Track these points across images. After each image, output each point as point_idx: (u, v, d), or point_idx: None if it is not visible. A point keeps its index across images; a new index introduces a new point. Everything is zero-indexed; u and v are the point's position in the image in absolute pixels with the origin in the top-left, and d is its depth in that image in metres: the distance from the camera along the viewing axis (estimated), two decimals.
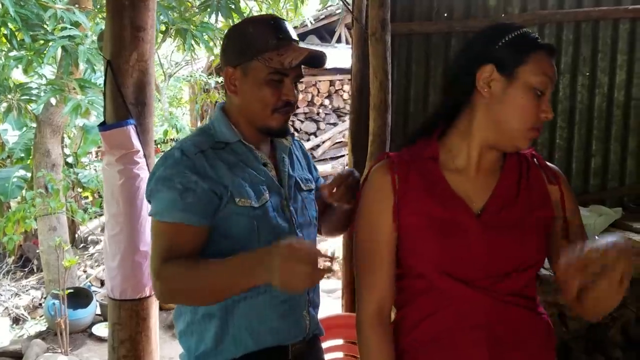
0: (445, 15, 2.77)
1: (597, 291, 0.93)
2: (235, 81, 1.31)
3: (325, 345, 2.26)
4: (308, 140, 9.02)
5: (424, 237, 1.10)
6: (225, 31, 1.41)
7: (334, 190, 1.34)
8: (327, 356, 2.27)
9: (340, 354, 2.30)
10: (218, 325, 1.28)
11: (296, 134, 8.92)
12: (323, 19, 9.32)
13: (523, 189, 1.11)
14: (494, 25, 1.14)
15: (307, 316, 1.36)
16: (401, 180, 1.12)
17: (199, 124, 7.44)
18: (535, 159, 1.18)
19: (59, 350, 4.23)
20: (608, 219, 2.51)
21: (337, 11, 9.24)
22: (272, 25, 1.29)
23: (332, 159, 9.08)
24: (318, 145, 9.07)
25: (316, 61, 1.31)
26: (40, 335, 4.67)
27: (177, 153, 1.27)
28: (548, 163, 1.18)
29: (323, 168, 8.78)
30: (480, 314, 1.07)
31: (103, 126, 2.07)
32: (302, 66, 1.30)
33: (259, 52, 1.26)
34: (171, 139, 7.18)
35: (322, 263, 1.73)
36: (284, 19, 1.33)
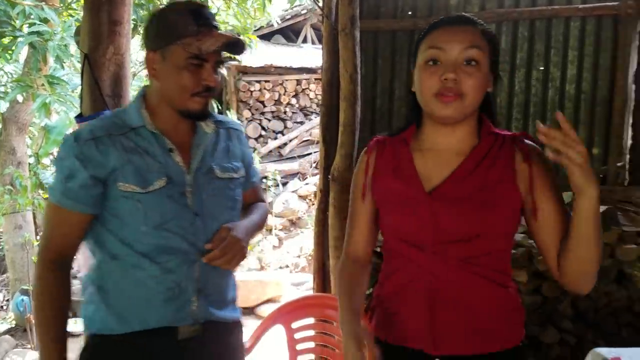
0: (410, 13, 2.91)
1: (573, 241, 1.05)
2: (155, 65, 1.34)
3: (298, 324, 2.37)
4: (275, 138, 9.08)
5: (387, 209, 1.25)
6: (149, 17, 1.44)
7: (215, 253, 1.35)
8: (299, 334, 2.38)
9: (312, 332, 2.40)
10: (105, 303, 1.36)
11: (263, 132, 9.00)
12: (289, 19, 9.41)
13: (483, 167, 1.19)
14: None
15: (196, 302, 1.38)
16: (376, 159, 1.27)
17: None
18: (519, 140, 1.21)
19: (29, 346, 4.21)
20: None
21: (303, 11, 9.34)
22: (192, 11, 1.32)
23: (299, 156, 9.17)
24: (285, 144, 9.15)
25: (235, 48, 1.37)
26: (8, 332, 4.62)
27: (71, 137, 1.33)
28: (530, 143, 1.20)
29: (290, 166, 8.86)
30: (427, 275, 1.19)
31: (80, 117, 2.11)
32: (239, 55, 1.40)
33: (179, 37, 1.30)
34: None
35: None
36: (205, 6, 1.39)
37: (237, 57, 7.35)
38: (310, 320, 2.42)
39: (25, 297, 4.34)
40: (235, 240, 1.39)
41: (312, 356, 2.43)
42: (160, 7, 1.50)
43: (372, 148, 1.29)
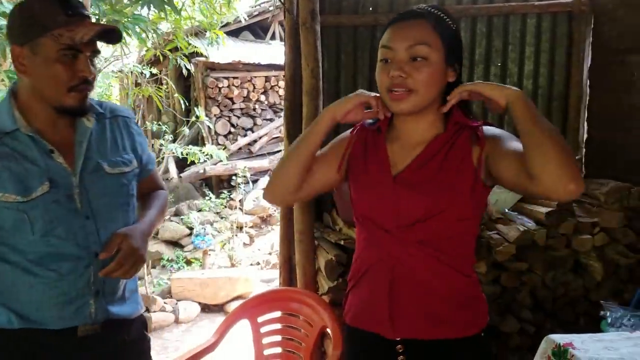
0: (371, 9, 2.93)
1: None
2: (23, 60, 1.27)
3: (265, 317, 2.38)
4: (245, 135, 9.04)
5: (357, 190, 1.34)
6: (11, 10, 1.36)
7: (112, 266, 1.32)
8: (265, 328, 2.39)
9: (278, 325, 2.42)
10: (1, 302, 1.33)
11: (232, 129, 8.94)
12: (257, 15, 9.35)
13: (442, 153, 1.26)
14: None
15: (93, 305, 1.37)
16: (356, 142, 1.36)
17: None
18: (477, 127, 1.25)
19: None
20: (517, 194, 2.77)
21: (271, 8, 9.30)
22: (59, 1, 1.26)
23: (269, 154, 9.14)
24: (255, 141, 9.11)
25: (110, 36, 1.32)
26: None
27: None
28: (483, 127, 1.25)
29: (260, 163, 8.83)
30: (390, 256, 1.26)
31: None
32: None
33: (47, 29, 1.24)
34: None
35: None
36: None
37: (204, 53, 7.25)
38: (276, 314, 2.44)
39: None
40: (131, 249, 1.33)
41: (279, 349, 2.44)
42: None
43: (356, 130, 1.38)
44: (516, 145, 1.18)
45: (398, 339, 1.27)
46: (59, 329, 1.34)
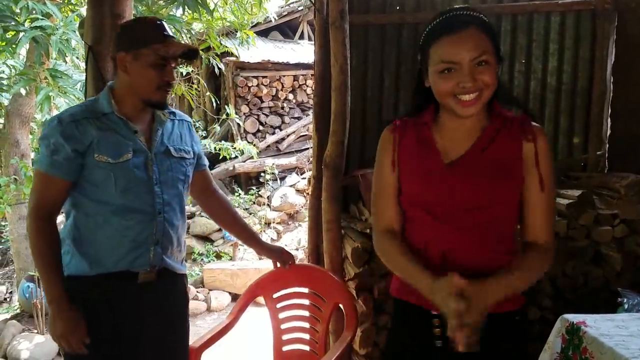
0: (398, 8, 3.05)
1: None
2: (127, 63, 1.71)
3: (280, 293, 2.43)
4: (273, 133, 9.20)
5: (408, 181, 1.40)
6: (121, 26, 1.89)
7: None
8: (281, 304, 2.43)
9: (293, 301, 2.47)
10: (80, 252, 1.72)
11: (261, 127, 9.12)
12: (286, 15, 9.52)
13: (497, 143, 1.33)
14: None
15: (153, 252, 1.75)
16: (400, 138, 1.43)
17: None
18: (523, 121, 1.35)
19: (35, 331, 4.34)
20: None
21: (300, 8, 9.46)
22: (158, 25, 1.74)
23: (297, 151, 9.28)
24: (283, 139, 9.26)
25: (191, 55, 1.79)
26: (15, 317, 4.75)
27: (55, 120, 1.69)
28: (533, 124, 1.36)
29: (288, 161, 8.98)
30: (439, 239, 1.35)
31: None
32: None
33: (149, 43, 1.69)
34: None
35: None
36: (165, 21, 1.78)
37: (235, 53, 7.42)
38: (291, 290, 2.47)
39: (31, 284, 4.46)
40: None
41: (296, 324, 2.46)
42: (131, 19, 1.98)
43: (396, 127, 1.45)
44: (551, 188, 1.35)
45: (438, 312, 1.30)
46: (123, 273, 1.72)
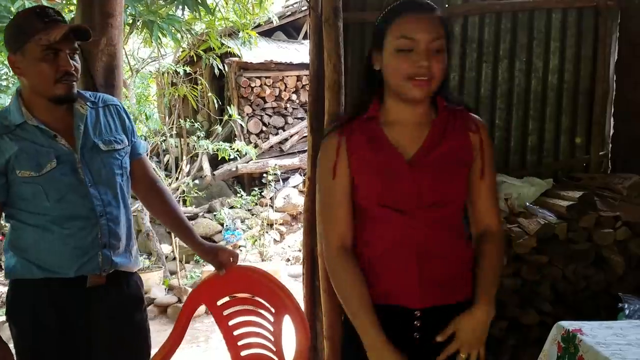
0: None
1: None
2: (18, 64, 1.58)
3: (224, 300, 2.10)
4: (276, 134, 9.16)
5: (367, 180, 1.37)
6: (5, 27, 1.68)
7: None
8: (227, 311, 2.10)
9: (239, 308, 2.14)
10: (25, 259, 1.64)
11: (264, 127, 9.09)
12: (289, 15, 9.47)
13: (448, 136, 1.37)
14: None
15: (101, 255, 1.66)
16: (346, 140, 1.38)
17: (167, 120, 7.51)
18: (465, 113, 1.42)
19: None
20: (540, 188, 2.78)
21: (303, 8, 9.42)
22: (37, 12, 1.57)
23: (300, 152, 9.24)
24: (286, 139, 9.23)
25: (81, 33, 1.61)
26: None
27: None
28: (472, 115, 1.43)
29: (291, 161, 8.94)
30: (412, 235, 1.35)
31: None
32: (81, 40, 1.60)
33: (31, 35, 1.53)
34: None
35: None
36: (50, 7, 1.62)
37: (237, 53, 7.39)
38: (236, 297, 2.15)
39: None
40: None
41: (247, 330, 2.15)
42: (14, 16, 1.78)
43: (342, 131, 1.39)
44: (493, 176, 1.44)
45: (420, 307, 1.36)
46: (73, 277, 1.63)
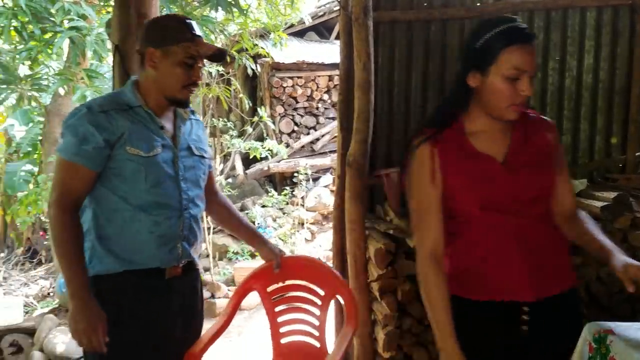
0: (425, 4, 2.98)
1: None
2: (155, 59, 1.69)
3: (274, 287, 2.25)
4: (308, 134, 9.21)
5: (466, 186, 1.47)
6: (150, 21, 1.90)
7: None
8: (291, 293, 2.30)
9: (302, 293, 2.30)
10: (105, 249, 1.68)
11: (296, 127, 9.15)
12: (322, 15, 9.51)
13: (530, 137, 1.50)
14: (475, 28, 1.48)
15: (180, 247, 1.76)
16: (440, 151, 1.48)
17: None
18: (538, 116, 1.57)
19: None
20: (574, 189, 2.73)
21: (335, 8, 9.44)
22: (187, 23, 1.72)
23: (331, 152, 9.25)
24: (318, 139, 9.26)
25: (220, 56, 1.78)
26: (52, 312, 4.90)
27: (84, 109, 1.66)
28: (542, 116, 1.58)
29: (323, 161, 8.97)
30: (515, 232, 1.44)
31: None
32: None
33: (178, 41, 1.67)
34: None
35: None
36: (198, 22, 1.74)
37: (268, 54, 7.47)
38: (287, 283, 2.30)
39: None
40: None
41: (293, 316, 2.32)
42: (161, 15, 1.99)
43: (436, 140, 1.50)
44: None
45: (530, 300, 1.45)
46: (151, 270, 1.70)
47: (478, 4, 2.98)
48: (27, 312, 5.73)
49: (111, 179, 1.67)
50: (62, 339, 4.20)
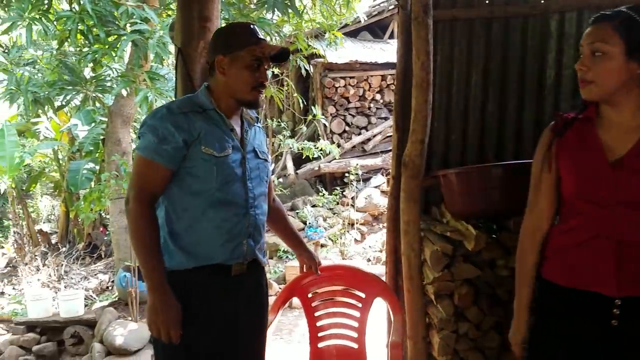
0: (487, 1, 2.90)
1: None
2: (224, 65, 1.79)
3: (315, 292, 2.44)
4: (359, 134, 9.19)
5: (570, 175, 1.53)
6: (216, 31, 1.99)
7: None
8: (316, 303, 2.44)
9: (342, 298, 2.47)
10: (177, 245, 1.75)
11: (347, 127, 9.15)
12: (376, 15, 9.48)
13: None
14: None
15: (246, 244, 1.82)
16: (558, 136, 1.56)
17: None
18: None
19: (130, 318, 4.61)
20: None
21: (390, 7, 9.38)
22: (252, 28, 1.83)
23: (382, 152, 9.20)
24: (369, 139, 9.23)
25: (284, 55, 1.87)
26: (112, 305, 5.09)
27: (164, 110, 1.76)
28: None
29: (374, 161, 8.93)
30: (611, 228, 1.45)
31: None
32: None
33: (244, 46, 1.77)
34: None
35: None
36: (257, 25, 1.86)
37: (322, 54, 7.52)
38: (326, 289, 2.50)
39: (127, 274, 4.75)
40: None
41: (333, 321, 2.47)
42: (225, 25, 2.10)
43: (554, 127, 1.60)
44: None
45: (619, 296, 1.45)
46: (218, 266, 1.77)
47: (542, 1, 2.88)
48: (86, 305, 5.97)
49: (184, 177, 1.75)
50: (121, 332, 4.35)
